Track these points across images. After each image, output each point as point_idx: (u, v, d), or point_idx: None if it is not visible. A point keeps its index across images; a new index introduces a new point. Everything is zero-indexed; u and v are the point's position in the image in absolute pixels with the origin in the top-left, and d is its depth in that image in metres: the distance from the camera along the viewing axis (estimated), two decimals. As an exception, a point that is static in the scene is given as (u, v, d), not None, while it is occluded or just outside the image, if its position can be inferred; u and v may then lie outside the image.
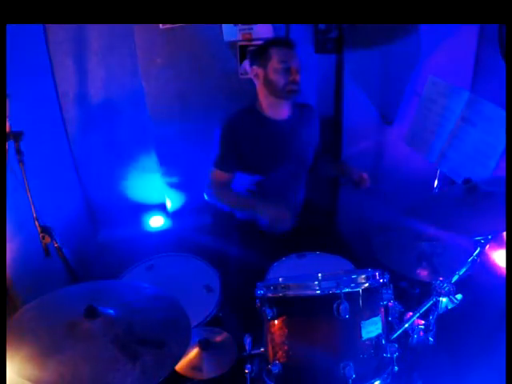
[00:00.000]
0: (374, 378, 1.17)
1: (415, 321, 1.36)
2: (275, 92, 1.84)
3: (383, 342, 1.23)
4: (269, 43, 1.86)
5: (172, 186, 2.43)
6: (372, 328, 1.20)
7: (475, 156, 1.74)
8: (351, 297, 1.18)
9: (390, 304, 1.32)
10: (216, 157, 1.91)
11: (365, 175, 1.97)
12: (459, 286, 1.31)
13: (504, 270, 1.62)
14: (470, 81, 2.34)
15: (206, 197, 1.98)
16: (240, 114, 1.94)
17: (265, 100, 1.91)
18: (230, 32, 2.10)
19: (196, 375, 1.36)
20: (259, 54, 1.87)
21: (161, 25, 2.04)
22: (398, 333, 1.33)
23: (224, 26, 2.08)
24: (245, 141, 1.88)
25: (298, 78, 1.81)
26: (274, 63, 1.81)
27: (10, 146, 1.50)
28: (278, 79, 1.81)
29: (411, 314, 1.36)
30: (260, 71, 1.85)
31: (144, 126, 2.32)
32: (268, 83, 1.84)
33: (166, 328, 1.13)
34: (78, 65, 2.19)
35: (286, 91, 1.82)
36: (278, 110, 1.93)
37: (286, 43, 1.85)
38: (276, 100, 1.88)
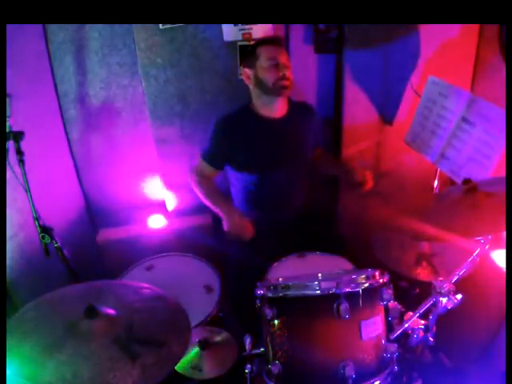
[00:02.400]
0: (374, 377, 1.17)
1: (415, 321, 1.36)
2: (266, 90, 1.85)
3: (383, 342, 1.23)
4: (256, 44, 1.89)
5: (172, 185, 2.43)
6: (372, 328, 1.20)
7: (475, 156, 1.74)
8: (351, 297, 1.18)
9: (390, 304, 1.32)
10: (205, 149, 1.96)
11: (368, 175, 1.96)
12: (459, 286, 1.31)
13: (504, 270, 1.62)
14: (469, 81, 2.35)
15: (190, 180, 2.04)
16: (234, 114, 1.95)
17: (258, 100, 1.92)
18: (230, 32, 2.09)
19: (196, 375, 1.36)
20: (247, 56, 1.89)
21: (161, 25, 2.04)
22: (398, 333, 1.33)
23: (224, 25, 2.08)
24: (239, 140, 1.89)
25: (287, 73, 1.82)
26: (262, 61, 1.82)
27: (10, 146, 1.51)
28: (268, 76, 1.82)
29: (411, 313, 1.36)
30: (250, 72, 1.87)
31: (144, 126, 2.32)
32: (258, 82, 1.85)
33: (166, 328, 1.13)
34: (77, 65, 2.18)
35: (277, 87, 1.82)
36: (272, 109, 1.93)
37: (271, 41, 1.88)
38: (269, 98, 1.89)
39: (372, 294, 1.23)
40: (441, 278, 1.33)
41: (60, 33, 2.10)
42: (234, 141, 1.90)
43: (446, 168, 1.91)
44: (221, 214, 1.87)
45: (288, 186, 2.04)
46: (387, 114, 2.39)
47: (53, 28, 2.08)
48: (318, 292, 1.18)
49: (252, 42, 2.06)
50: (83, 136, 2.36)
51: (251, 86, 1.91)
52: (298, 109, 2.02)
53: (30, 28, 2.00)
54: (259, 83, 1.85)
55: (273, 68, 1.81)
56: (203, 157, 1.97)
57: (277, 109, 1.94)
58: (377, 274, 1.25)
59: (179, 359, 1.10)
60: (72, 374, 0.96)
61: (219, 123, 1.92)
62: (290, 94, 1.93)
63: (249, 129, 1.91)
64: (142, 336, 1.07)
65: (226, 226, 1.82)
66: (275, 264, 1.78)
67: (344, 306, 1.14)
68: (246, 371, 1.30)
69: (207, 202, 1.97)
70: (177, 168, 2.37)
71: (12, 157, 1.50)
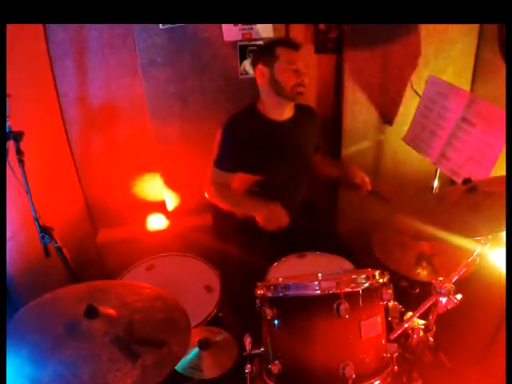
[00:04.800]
0: (374, 377, 1.17)
1: (415, 321, 1.36)
2: (282, 92, 1.84)
3: (383, 341, 1.23)
4: (275, 42, 1.85)
5: (172, 185, 2.43)
6: (372, 328, 1.20)
7: (475, 156, 1.74)
8: (351, 297, 1.18)
9: (390, 304, 1.32)
10: (217, 156, 1.91)
11: (366, 178, 1.97)
12: (459, 286, 1.31)
13: (504, 270, 1.62)
14: (469, 81, 2.35)
15: (206, 195, 1.97)
16: (241, 115, 1.94)
17: (268, 100, 1.90)
18: (230, 32, 2.10)
19: (196, 375, 1.36)
20: (265, 53, 1.85)
21: (161, 25, 2.04)
22: (398, 333, 1.33)
23: (224, 25, 2.08)
24: (246, 141, 1.88)
25: (306, 80, 1.82)
26: (282, 63, 1.80)
27: (9, 146, 1.51)
28: (287, 80, 1.80)
29: (411, 313, 1.36)
30: (266, 70, 1.84)
31: (144, 126, 2.32)
32: (274, 83, 1.83)
33: (166, 328, 1.13)
34: (77, 65, 2.18)
35: (293, 93, 1.82)
36: (280, 111, 1.93)
37: (293, 44, 1.85)
38: (280, 100, 1.88)
39: (372, 293, 1.23)
40: (441, 278, 1.33)
41: (60, 33, 2.10)
42: (242, 143, 1.88)
43: (445, 168, 1.91)
44: (252, 211, 1.81)
45: (291, 187, 2.04)
46: (387, 114, 2.39)
47: (53, 28, 2.08)
48: (318, 292, 1.18)
49: (254, 42, 2.06)
50: (83, 136, 2.36)
51: (263, 84, 1.88)
52: (302, 112, 2.02)
53: (30, 28, 2.00)
54: (275, 84, 1.83)
55: (292, 73, 1.79)
56: (216, 165, 1.91)
57: (284, 112, 1.94)
58: (377, 273, 1.25)
59: (179, 359, 1.10)
60: (72, 374, 0.96)
61: (227, 127, 1.89)
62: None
63: (255, 131, 1.90)
64: (141, 336, 1.07)
65: (261, 220, 1.77)
66: (275, 264, 1.78)
67: (344, 306, 1.14)
68: (246, 371, 1.30)
69: (232, 207, 1.91)
70: (177, 168, 2.38)
71: (12, 157, 1.50)
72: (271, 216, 1.76)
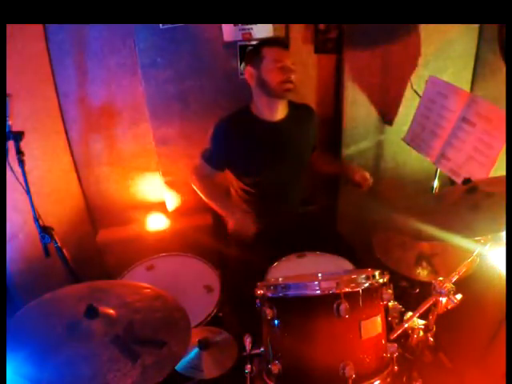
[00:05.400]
0: (374, 377, 1.17)
1: (415, 321, 1.36)
2: (269, 91, 1.84)
3: (383, 341, 1.23)
4: (261, 43, 1.87)
5: (172, 185, 2.43)
6: (372, 328, 1.20)
7: (475, 156, 1.74)
8: (351, 297, 1.17)
9: (389, 304, 1.32)
10: (206, 150, 1.96)
11: (367, 174, 1.97)
12: (459, 286, 1.31)
13: (504, 270, 1.62)
14: (469, 81, 2.35)
15: (190, 179, 2.04)
16: (234, 116, 1.95)
17: (259, 100, 1.91)
18: (230, 32, 2.10)
19: (196, 375, 1.36)
20: (252, 55, 1.88)
21: (161, 25, 2.04)
22: (398, 333, 1.33)
23: (224, 26, 2.08)
24: (239, 142, 1.89)
25: (292, 76, 1.81)
26: (267, 63, 1.81)
27: (9, 146, 1.51)
28: (272, 78, 1.81)
29: (411, 313, 1.36)
30: (253, 72, 1.85)
31: (144, 126, 2.32)
32: (262, 83, 1.84)
33: (166, 328, 1.13)
34: (78, 65, 2.18)
35: (280, 90, 1.82)
36: (273, 111, 1.93)
37: (278, 42, 1.87)
38: (271, 100, 1.88)
39: (372, 293, 1.23)
40: (441, 278, 1.33)
41: (60, 33, 2.09)
42: (234, 143, 1.89)
43: (445, 168, 1.91)
44: (222, 213, 1.86)
45: (288, 187, 2.04)
46: (387, 114, 2.39)
47: (53, 28, 2.08)
48: (318, 292, 1.18)
49: (253, 42, 2.06)
50: (83, 136, 2.36)
51: (253, 86, 1.90)
52: (297, 111, 2.01)
53: (30, 28, 2.00)
54: (262, 84, 1.84)
55: (278, 70, 1.80)
56: (204, 157, 1.97)
57: (277, 111, 1.94)
58: (377, 273, 1.24)
59: (179, 359, 1.10)
60: (72, 374, 0.96)
61: (220, 125, 1.92)
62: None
63: (249, 132, 1.91)
64: (141, 336, 1.07)
65: (230, 225, 1.81)
66: (275, 264, 1.78)
67: (344, 306, 1.14)
68: (246, 371, 1.30)
69: (208, 201, 1.97)
70: (177, 168, 2.38)
71: (12, 157, 1.50)
72: (238, 225, 1.80)
